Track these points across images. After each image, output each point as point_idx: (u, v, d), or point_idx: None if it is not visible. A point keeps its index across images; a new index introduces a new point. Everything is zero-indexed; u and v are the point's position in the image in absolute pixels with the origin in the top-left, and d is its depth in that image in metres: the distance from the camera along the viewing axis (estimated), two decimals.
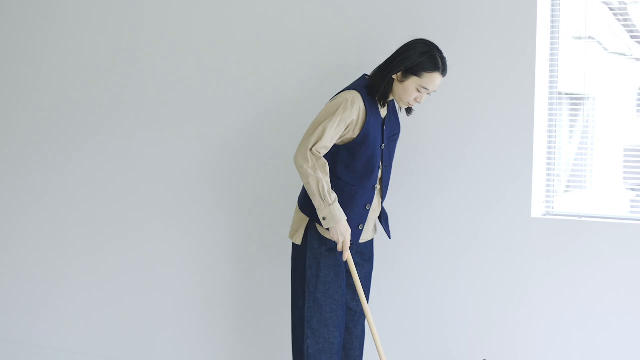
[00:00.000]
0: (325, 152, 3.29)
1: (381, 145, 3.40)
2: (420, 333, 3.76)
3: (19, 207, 4.69)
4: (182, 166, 4.23)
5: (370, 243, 3.57)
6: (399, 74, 3.31)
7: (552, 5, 3.61)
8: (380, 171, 3.42)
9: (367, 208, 3.41)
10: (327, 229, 3.32)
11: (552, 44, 3.61)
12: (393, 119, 3.50)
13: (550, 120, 3.63)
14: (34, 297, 4.68)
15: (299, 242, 3.44)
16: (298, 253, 3.47)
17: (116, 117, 4.38)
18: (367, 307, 3.39)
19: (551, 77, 3.61)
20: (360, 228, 3.42)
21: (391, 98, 3.40)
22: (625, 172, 3.65)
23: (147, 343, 4.37)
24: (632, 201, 3.65)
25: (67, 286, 4.58)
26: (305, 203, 3.41)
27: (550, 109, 3.62)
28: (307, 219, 3.42)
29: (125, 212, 4.40)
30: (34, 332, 4.68)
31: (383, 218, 3.55)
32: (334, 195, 3.27)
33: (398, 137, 3.53)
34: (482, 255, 3.65)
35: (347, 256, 3.32)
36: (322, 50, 3.88)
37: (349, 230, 3.31)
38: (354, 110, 3.29)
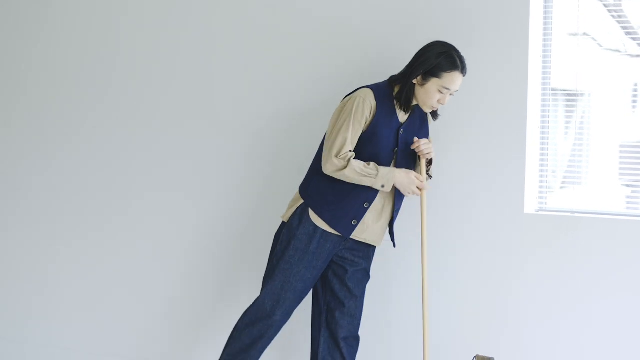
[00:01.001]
0: (347, 149, 3.36)
1: (394, 149, 3.43)
2: (412, 329, 3.77)
3: (6, 204, 4.77)
4: (175, 161, 4.28)
5: (367, 247, 3.55)
6: (419, 78, 3.35)
7: (545, 1, 3.62)
8: None
9: (366, 206, 3.44)
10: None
11: (545, 40, 3.62)
12: (419, 127, 3.49)
13: (543, 117, 3.63)
14: (23, 294, 4.75)
15: (286, 219, 3.52)
16: (282, 229, 3.57)
17: (108, 113, 4.41)
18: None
19: (544, 73, 3.62)
20: (353, 223, 3.45)
21: (415, 103, 3.43)
22: (620, 169, 3.64)
23: (140, 338, 4.43)
24: (628, 197, 3.64)
25: (56, 283, 4.64)
26: (305, 186, 3.49)
27: (544, 105, 3.63)
28: (301, 200, 3.50)
29: (116, 206, 4.45)
30: (24, 330, 4.75)
31: (393, 225, 3.54)
32: (373, 164, 3.38)
33: (411, 141, 3.49)
34: (475, 251, 3.66)
35: (424, 187, 3.45)
36: (322, 53, 3.92)
37: (411, 172, 3.42)
38: (366, 106, 3.36)
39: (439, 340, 3.72)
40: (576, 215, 3.54)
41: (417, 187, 3.43)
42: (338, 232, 3.45)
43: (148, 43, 4.30)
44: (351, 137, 3.37)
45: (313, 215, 3.45)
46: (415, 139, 3.43)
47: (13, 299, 4.78)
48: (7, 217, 4.76)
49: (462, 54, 3.38)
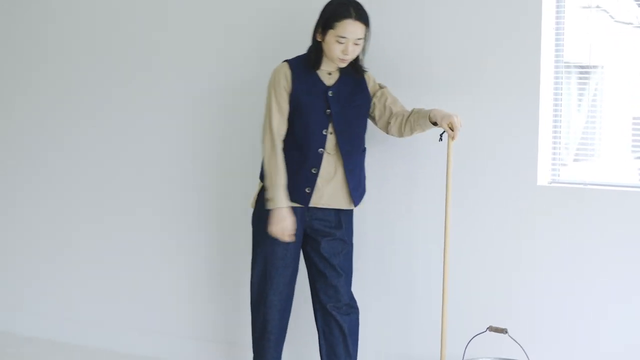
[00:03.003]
0: (281, 125, 3.52)
1: (325, 111, 3.51)
2: (424, 301, 3.82)
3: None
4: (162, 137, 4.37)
5: (335, 214, 3.61)
6: (319, 34, 3.47)
7: None
8: (329, 136, 3.53)
9: (314, 172, 3.53)
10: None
11: (557, 13, 3.63)
12: (351, 86, 3.58)
13: (556, 90, 3.65)
14: (18, 286, 4.89)
15: (252, 206, 3.66)
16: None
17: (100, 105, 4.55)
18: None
19: (557, 46, 3.64)
20: (307, 191, 3.54)
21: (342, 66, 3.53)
22: (633, 142, 3.66)
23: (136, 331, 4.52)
24: None
25: (50, 273, 4.78)
26: (261, 170, 3.61)
27: (556, 79, 3.65)
28: (261, 184, 3.62)
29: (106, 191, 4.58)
30: (19, 323, 4.87)
31: (352, 186, 3.59)
32: (279, 188, 3.49)
33: (364, 104, 3.59)
34: (488, 223, 3.70)
35: (291, 239, 3.54)
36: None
37: (287, 222, 3.50)
38: (281, 78, 3.52)
39: (452, 311, 3.75)
40: (589, 187, 3.57)
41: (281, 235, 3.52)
42: (296, 202, 3.54)
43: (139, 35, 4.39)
44: (277, 112, 3.52)
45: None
46: (457, 123, 3.41)
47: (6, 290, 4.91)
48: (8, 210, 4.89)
49: (462, 24, 3.50)
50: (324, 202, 3.57)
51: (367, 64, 3.67)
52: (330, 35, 3.44)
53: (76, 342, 4.67)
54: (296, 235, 3.58)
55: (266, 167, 3.53)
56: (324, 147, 3.52)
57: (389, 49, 3.83)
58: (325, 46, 3.48)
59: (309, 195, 3.55)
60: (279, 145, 3.52)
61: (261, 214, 3.59)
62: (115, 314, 4.61)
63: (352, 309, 3.70)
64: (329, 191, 3.57)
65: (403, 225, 3.88)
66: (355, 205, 3.63)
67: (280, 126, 3.53)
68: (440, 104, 3.69)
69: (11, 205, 4.89)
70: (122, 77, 4.51)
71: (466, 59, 3.69)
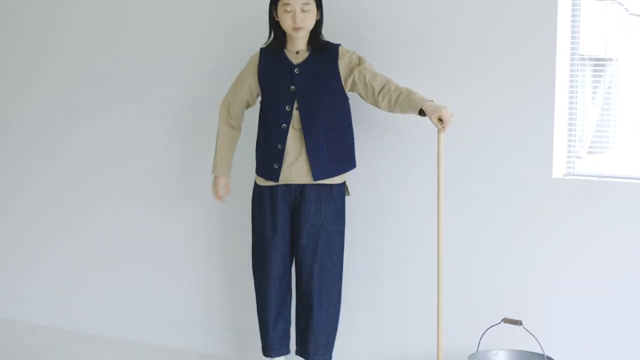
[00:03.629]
0: (233, 106, 3.82)
1: (290, 87, 3.64)
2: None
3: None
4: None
5: (315, 187, 3.68)
6: (275, 14, 3.64)
7: None
8: (295, 112, 3.64)
9: (280, 147, 3.64)
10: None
11: (573, 6, 3.63)
12: (321, 64, 3.66)
13: (572, 83, 3.65)
14: (17, 272, 4.94)
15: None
16: None
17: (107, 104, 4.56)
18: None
19: (572, 39, 3.64)
20: (275, 167, 3.66)
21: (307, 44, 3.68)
22: None
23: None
24: None
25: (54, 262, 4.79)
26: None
27: (572, 72, 3.65)
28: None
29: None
30: (28, 311, 4.90)
31: (313, 162, 3.64)
32: (221, 154, 3.85)
33: (334, 80, 3.65)
34: (502, 215, 3.71)
35: (217, 194, 3.88)
36: None
37: (219, 184, 3.86)
38: (249, 64, 3.78)
39: (466, 304, 3.78)
40: (603, 179, 3.57)
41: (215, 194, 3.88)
42: (267, 179, 3.70)
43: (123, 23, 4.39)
44: (233, 90, 3.82)
45: (257, 179, 3.79)
46: (447, 117, 3.44)
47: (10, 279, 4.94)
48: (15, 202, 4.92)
49: (476, 16, 3.57)
50: (293, 178, 3.67)
51: (382, 52, 3.71)
52: (280, 9, 3.60)
53: (84, 331, 4.70)
54: (278, 218, 3.70)
55: (218, 133, 3.87)
56: (288, 123, 3.63)
57: (400, 37, 3.84)
58: (280, 22, 3.62)
59: (278, 170, 3.66)
60: (225, 119, 3.84)
61: (253, 200, 3.81)
62: (124, 302, 4.63)
63: (322, 309, 3.75)
64: (296, 167, 3.66)
65: (394, 219, 3.93)
66: (314, 179, 3.66)
67: (232, 103, 3.82)
68: (454, 95, 3.71)
69: (26, 189, 4.90)
70: (133, 66, 4.52)
71: (482, 51, 3.70)
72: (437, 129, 3.48)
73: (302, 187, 3.69)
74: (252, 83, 3.77)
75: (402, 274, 3.92)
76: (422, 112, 3.50)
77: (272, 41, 3.72)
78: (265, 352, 3.89)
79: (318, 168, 3.66)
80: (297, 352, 3.86)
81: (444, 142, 3.51)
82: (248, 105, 3.87)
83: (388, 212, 3.94)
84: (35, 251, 4.90)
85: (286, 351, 3.89)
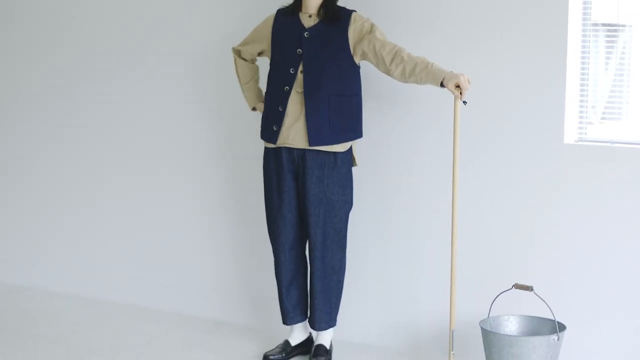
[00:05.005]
0: (244, 53, 3.87)
1: (297, 50, 3.64)
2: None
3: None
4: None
5: (317, 154, 3.67)
6: None
7: None
8: (299, 75, 3.65)
9: (280, 109, 3.67)
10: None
11: None
12: (332, 30, 3.64)
13: (584, 50, 3.65)
14: (33, 239, 4.99)
15: None
16: None
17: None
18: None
19: (585, 5, 3.63)
20: (274, 129, 3.69)
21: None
22: None
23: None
24: None
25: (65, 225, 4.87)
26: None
27: (584, 39, 3.65)
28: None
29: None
30: (45, 278, 4.97)
31: (311, 127, 3.64)
32: (245, 85, 3.92)
33: (342, 47, 3.63)
34: (514, 180, 3.72)
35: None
36: None
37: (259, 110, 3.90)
38: (263, 27, 3.80)
39: (477, 270, 3.80)
40: (616, 145, 3.58)
41: None
42: (267, 141, 3.75)
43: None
44: (246, 39, 3.87)
45: (265, 143, 3.81)
46: (464, 83, 3.44)
47: (21, 244, 5.03)
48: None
49: None
50: (291, 142, 3.68)
51: (394, 18, 3.76)
52: None
53: (101, 298, 4.76)
54: (286, 184, 3.73)
55: (236, 70, 3.93)
56: (290, 86, 3.65)
57: (412, 4, 3.86)
58: None
59: (276, 133, 3.69)
60: (239, 59, 3.89)
61: (263, 165, 3.83)
62: (141, 269, 4.67)
63: (324, 276, 3.78)
64: (294, 130, 3.67)
65: (406, 186, 3.95)
66: (310, 145, 3.66)
67: (242, 51, 3.87)
68: (466, 62, 3.71)
69: (42, 157, 4.95)
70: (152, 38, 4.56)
71: (493, 18, 3.70)
72: (454, 96, 3.48)
73: (303, 153, 3.69)
74: (263, 43, 3.80)
75: (414, 241, 3.95)
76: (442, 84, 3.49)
77: (290, 4, 3.74)
78: (282, 319, 3.92)
79: (315, 133, 3.64)
80: (308, 321, 3.90)
81: (460, 109, 3.52)
82: (254, 61, 3.94)
83: (399, 179, 3.96)
84: (49, 219, 4.96)
85: (301, 319, 3.91)
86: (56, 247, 4.94)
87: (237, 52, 3.91)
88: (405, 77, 3.58)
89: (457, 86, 3.44)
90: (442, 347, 3.88)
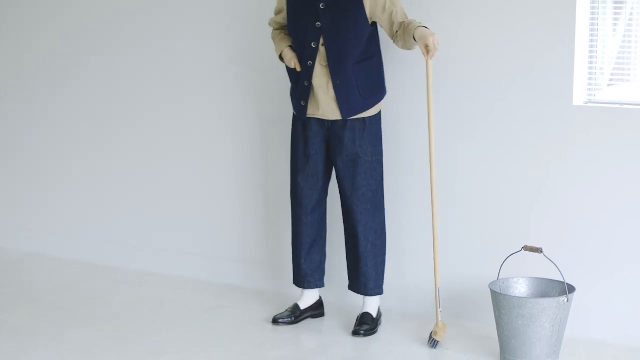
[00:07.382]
0: (278, 21, 3.81)
1: (316, 24, 3.62)
2: (458, 223, 3.89)
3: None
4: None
5: (344, 123, 3.68)
6: None
7: None
8: (321, 48, 3.63)
9: (306, 84, 3.67)
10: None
11: None
12: (350, 4, 3.59)
13: (592, 13, 3.66)
14: (49, 207, 5.00)
15: None
16: None
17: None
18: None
19: None
20: (302, 104, 3.70)
21: None
22: None
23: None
24: None
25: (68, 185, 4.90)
26: None
27: (593, 2, 3.66)
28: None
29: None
30: (60, 246, 4.98)
31: (341, 99, 3.65)
32: (277, 40, 3.82)
33: (359, 15, 3.58)
34: (523, 142, 3.74)
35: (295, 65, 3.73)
36: None
37: (287, 55, 3.74)
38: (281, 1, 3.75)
39: (487, 232, 3.82)
40: (625, 107, 3.59)
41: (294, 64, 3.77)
42: (297, 115, 3.75)
43: None
44: (275, 15, 3.82)
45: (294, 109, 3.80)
46: (433, 45, 3.46)
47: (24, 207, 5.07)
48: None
49: None
50: (322, 114, 3.68)
51: None
52: None
53: (121, 266, 4.75)
54: (314, 148, 3.72)
55: (273, 40, 3.85)
56: (314, 61, 3.64)
57: None
58: None
59: (305, 107, 3.69)
60: (274, 30, 3.84)
61: (292, 130, 3.83)
62: (161, 236, 4.67)
63: (368, 240, 3.76)
64: (324, 104, 3.67)
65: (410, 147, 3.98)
66: (343, 117, 3.67)
67: (276, 19, 3.81)
68: (476, 22, 3.73)
69: (54, 124, 4.94)
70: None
71: None
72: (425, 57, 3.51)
73: (333, 122, 3.71)
74: (282, 10, 3.78)
75: (416, 204, 3.97)
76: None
77: None
78: (298, 283, 3.93)
79: (347, 105, 3.66)
80: (350, 287, 3.88)
81: (432, 70, 3.55)
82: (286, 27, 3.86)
83: (398, 141, 3.99)
84: (65, 186, 4.96)
85: (320, 284, 3.93)
86: (72, 214, 4.93)
87: (274, 22, 3.85)
88: (398, 43, 3.62)
89: (427, 47, 3.46)
90: (455, 311, 3.92)
